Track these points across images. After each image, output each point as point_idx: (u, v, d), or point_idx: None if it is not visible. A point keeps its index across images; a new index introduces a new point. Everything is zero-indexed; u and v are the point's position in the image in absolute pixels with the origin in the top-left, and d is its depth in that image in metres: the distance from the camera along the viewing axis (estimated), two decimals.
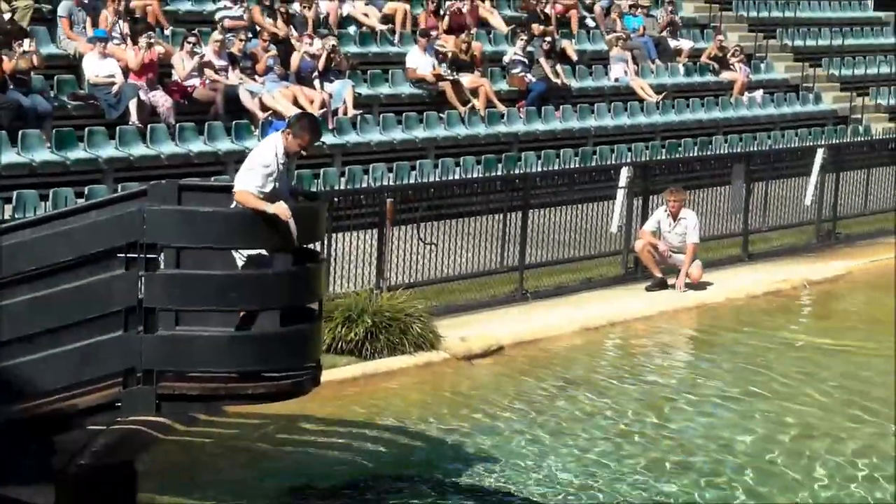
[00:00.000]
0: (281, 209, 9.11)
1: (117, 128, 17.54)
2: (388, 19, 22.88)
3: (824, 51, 28.85)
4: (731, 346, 15.41)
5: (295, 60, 20.17)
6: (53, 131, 17.05)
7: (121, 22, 19.09)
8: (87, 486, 4.65)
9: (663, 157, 20.58)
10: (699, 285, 17.20)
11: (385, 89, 21.46)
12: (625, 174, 17.95)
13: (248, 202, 9.15)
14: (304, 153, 9.51)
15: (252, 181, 9.18)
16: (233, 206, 9.46)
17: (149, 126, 17.82)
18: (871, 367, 14.55)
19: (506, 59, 23.23)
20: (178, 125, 18.15)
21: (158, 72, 18.80)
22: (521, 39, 23.14)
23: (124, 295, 9.30)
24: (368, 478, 10.86)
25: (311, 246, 10.24)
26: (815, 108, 27.11)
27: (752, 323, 16.37)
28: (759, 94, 26.39)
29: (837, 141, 22.27)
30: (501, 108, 22.12)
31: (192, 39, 19.15)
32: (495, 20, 24.51)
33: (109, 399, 9.44)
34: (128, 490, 4.63)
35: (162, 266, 9.45)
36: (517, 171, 18.82)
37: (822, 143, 22.03)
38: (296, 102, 19.52)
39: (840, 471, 11.42)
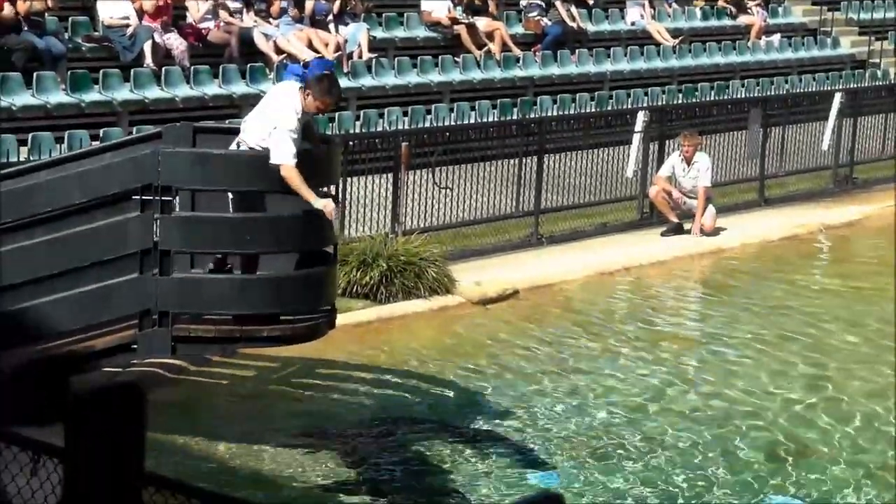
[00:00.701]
0: (329, 208, 9.11)
1: (132, 70, 17.49)
2: None
3: None
4: (746, 290, 15.40)
5: (309, 3, 20.07)
6: (68, 73, 17.00)
7: None
8: (93, 405, 4.69)
9: (680, 102, 20.48)
10: (714, 231, 17.15)
11: (400, 32, 21.35)
12: (641, 119, 17.87)
13: (296, 185, 9.11)
14: (321, 114, 9.46)
15: (289, 151, 9.12)
16: (245, 144, 9.46)
17: (163, 69, 17.76)
18: (885, 308, 14.55)
19: (523, 2, 23.08)
20: (192, 68, 18.09)
21: (173, 14, 18.71)
22: None
23: (139, 237, 9.33)
24: (385, 421, 10.89)
25: (326, 189, 10.24)
26: (832, 52, 26.92)
27: (766, 267, 16.35)
28: (776, 38, 26.20)
29: (855, 85, 22.10)
30: (517, 51, 22.00)
31: None
32: None
33: (126, 341, 9.51)
34: (136, 409, 4.67)
35: (177, 208, 9.48)
36: (533, 116, 18.73)
37: (840, 87, 21.89)
38: (310, 45, 19.45)
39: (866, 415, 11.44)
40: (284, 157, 9.13)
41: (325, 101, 9.39)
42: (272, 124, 9.22)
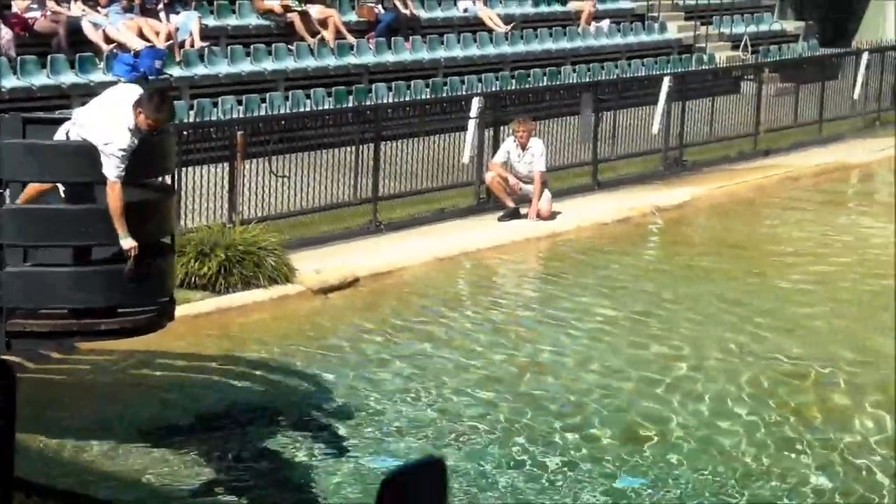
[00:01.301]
0: (132, 249, 9.03)
1: None
2: None
3: None
4: (581, 272, 15.62)
5: None
6: None
7: None
8: None
9: (513, 88, 20.67)
10: (550, 215, 17.38)
11: (232, 21, 21.15)
12: (476, 105, 18.00)
13: (114, 210, 9.01)
14: (153, 131, 9.32)
15: (117, 169, 9.03)
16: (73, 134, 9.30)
17: None
18: (721, 286, 14.91)
19: None
20: (19, 58, 17.69)
21: None
22: None
23: None
24: (226, 413, 10.81)
25: (161, 179, 10.12)
26: (660, 37, 27.43)
27: (600, 249, 16.63)
28: (605, 23, 26.61)
29: (682, 70, 22.58)
30: (351, 39, 21.97)
31: None
32: None
33: None
34: (6, 394, 4.46)
35: (7, 201, 9.28)
36: (368, 103, 18.74)
37: (668, 72, 22.33)
38: (141, 35, 19.16)
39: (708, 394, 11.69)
40: (111, 172, 9.05)
41: (156, 118, 9.27)
42: (105, 139, 9.08)
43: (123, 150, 9.08)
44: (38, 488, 4.19)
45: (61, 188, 9.46)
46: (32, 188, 9.47)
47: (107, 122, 9.17)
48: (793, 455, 10.37)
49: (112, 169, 9.07)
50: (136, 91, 9.50)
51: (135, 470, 9.66)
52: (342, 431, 10.53)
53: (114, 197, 9.06)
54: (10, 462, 4.28)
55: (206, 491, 9.47)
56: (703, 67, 24.51)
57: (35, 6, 18.46)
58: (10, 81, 17.38)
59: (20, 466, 4.15)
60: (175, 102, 18.04)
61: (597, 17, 26.66)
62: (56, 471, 9.35)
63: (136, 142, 9.17)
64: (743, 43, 27.80)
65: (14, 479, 4.24)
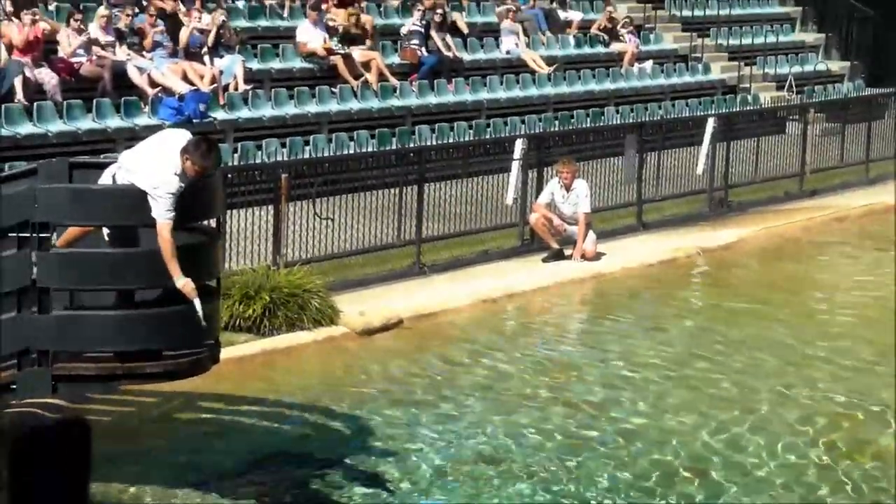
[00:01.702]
0: (188, 288, 9.06)
1: (2, 106, 17.16)
2: None
3: (712, 21, 29.10)
4: (626, 315, 15.52)
5: (184, 35, 19.90)
6: None
7: None
8: (37, 446, 4.43)
9: (556, 129, 20.64)
10: (595, 256, 17.29)
11: (276, 64, 21.25)
12: (519, 146, 17.98)
13: (165, 252, 9.02)
14: (200, 178, 9.35)
15: (166, 210, 9.05)
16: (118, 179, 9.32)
17: (35, 104, 17.47)
18: (769, 328, 14.76)
19: (403, 30, 23.10)
20: (65, 103, 17.82)
21: (44, 48, 18.42)
22: (419, 10, 23.06)
23: (17, 275, 9.11)
24: (272, 457, 10.75)
25: (208, 223, 10.12)
26: (703, 77, 27.37)
27: (646, 290, 16.53)
28: (648, 64, 26.58)
29: (727, 110, 22.48)
30: (394, 81, 22.02)
31: (77, 15, 18.80)
32: None
33: (4, 381, 9.25)
34: (83, 449, 4.44)
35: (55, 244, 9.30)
36: (412, 145, 18.74)
37: (712, 112, 22.26)
38: (185, 78, 19.27)
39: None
40: (161, 215, 9.07)
41: (203, 165, 9.29)
42: (154, 184, 9.10)
43: (172, 193, 9.10)
44: None
45: (105, 232, 9.47)
46: (72, 231, 9.48)
47: (155, 167, 9.18)
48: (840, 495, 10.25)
49: (162, 211, 9.08)
50: (182, 135, 9.51)
51: None
52: (388, 476, 10.45)
53: (165, 239, 9.06)
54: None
55: None
56: (748, 108, 24.38)
57: (81, 51, 18.60)
58: (57, 126, 17.50)
59: None
60: (219, 145, 18.19)
61: (640, 58, 26.64)
62: None
63: (182, 186, 9.18)
64: (788, 83, 27.68)
65: None
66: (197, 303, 9.17)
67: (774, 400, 12.44)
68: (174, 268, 9.10)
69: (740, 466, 10.83)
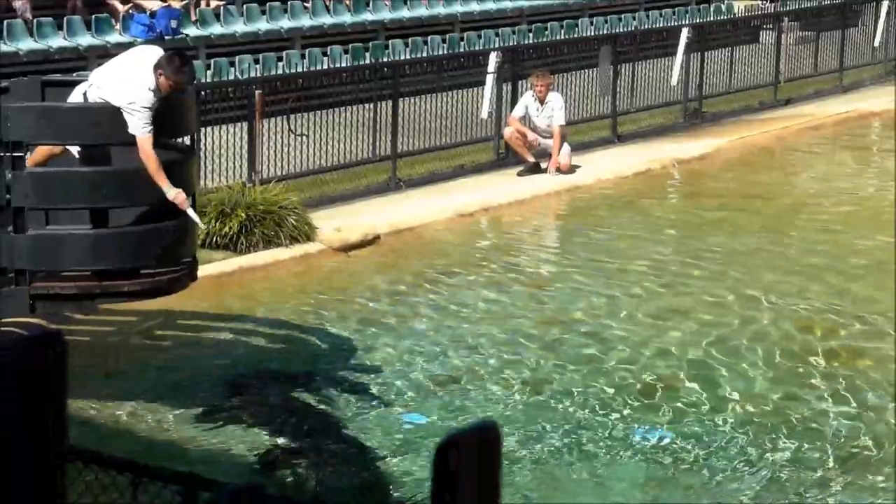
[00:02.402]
0: (180, 198, 9.06)
1: None
2: None
3: None
4: (601, 227, 15.57)
5: None
6: None
7: None
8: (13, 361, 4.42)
9: (530, 42, 20.55)
10: (570, 169, 17.31)
11: None
12: (493, 59, 17.90)
13: (151, 167, 8.99)
14: (175, 92, 9.32)
15: (145, 124, 9.02)
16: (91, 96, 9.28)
17: (5, 22, 17.29)
18: (747, 237, 14.86)
19: None
20: (35, 20, 17.65)
21: None
22: None
23: None
24: (254, 373, 10.82)
25: (181, 140, 10.10)
26: None
27: (621, 202, 16.58)
28: None
29: (701, 20, 22.41)
30: None
31: None
32: None
33: None
34: (59, 366, 4.45)
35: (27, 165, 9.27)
36: (386, 60, 18.66)
37: (687, 22, 22.18)
38: None
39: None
40: (140, 129, 9.05)
41: (177, 80, 9.26)
42: (128, 99, 9.07)
43: (147, 107, 9.07)
44: (94, 456, 4.17)
45: (76, 151, 9.44)
46: (41, 151, 9.45)
47: (128, 83, 9.15)
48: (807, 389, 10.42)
49: (139, 126, 9.06)
50: (155, 52, 9.46)
51: (162, 432, 9.67)
52: (368, 391, 10.52)
53: (147, 153, 9.05)
54: (63, 431, 4.30)
55: (237, 451, 9.48)
56: (722, 17, 24.29)
57: None
58: (27, 44, 17.36)
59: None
60: (192, 62, 18.09)
61: None
62: (93, 436, 9.36)
63: (157, 101, 9.15)
64: None
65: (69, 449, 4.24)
66: (190, 211, 9.21)
67: (742, 305, 12.53)
68: (162, 180, 9.09)
69: (743, 375, 10.91)
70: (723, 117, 20.92)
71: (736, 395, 10.52)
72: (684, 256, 14.30)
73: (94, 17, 18.21)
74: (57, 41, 17.67)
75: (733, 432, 9.85)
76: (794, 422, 10.04)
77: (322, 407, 10.22)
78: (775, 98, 22.18)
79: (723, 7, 26.14)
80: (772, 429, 9.88)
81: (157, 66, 9.21)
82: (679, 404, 10.34)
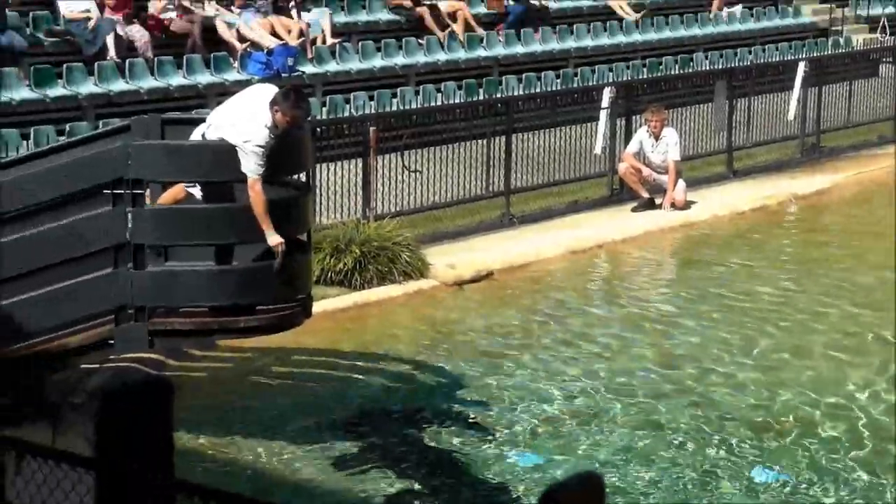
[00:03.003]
0: (277, 242, 9.19)
1: (95, 64, 17.36)
2: None
3: None
4: (717, 264, 15.40)
5: None
6: (31, 69, 16.86)
7: None
8: (123, 402, 4.53)
9: (645, 77, 20.46)
10: (685, 205, 17.16)
11: (363, 16, 21.27)
12: (607, 95, 17.86)
13: (257, 208, 9.11)
14: (293, 127, 9.43)
15: (257, 165, 9.13)
16: (209, 135, 9.40)
17: (127, 61, 17.64)
18: (856, 276, 14.60)
19: None
20: (156, 59, 17.98)
21: (134, 6, 18.59)
22: None
23: (112, 232, 9.26)
24: (368, 409, 10.84)
25: (298, 177, 10.20)
26: (794, 21, 26.97)
27: (737, 238, 16.39)
28: (738, 8, 26.23)
29: (818, 54, 22.15)
30: (480, 31, 21.95)
31: None
32: None
33: (102, 337, 9.43)
34: (166, 406, 4.54)
35: (148, 202, 9.43)
36: (499, 96, 18.69)
37: (804, 56, 21.94)
38: (274, 33, 19.35)
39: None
40: (251, 170, 9.16)
41: (294, 115, 9.37)
42: (243, 137, 9.18)
43: (261, 146, 9.17)
44: (202, 490, 4.21)
45: (198, 190, 9.57)
46: (171, 194, 9.57)
47: (244, 121, 9.26)
48: None
49: (252, 166, 9.17)
50: (271, 89, 9.57)
51: (278, 467, 9.72)
52: (484, 427, 10.49)
53: (255, 194, 9.16)
54: (171, 465, 4.35)
55: (359, 489, 9.48)
56: (840, 51, 23.99)
57: (170, 7, 18.75)
58: (148, 82, 17.67)
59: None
60: (307, 98, 18.28)
61: (729, 2, 26.29)
62: (207, 468, 9.45)
63: (273, 139, 9.25)
64: (881, 24, 27.18)
65: (176, 482, 4.29)
66: (279, 259, 9.25)
67: (856, 341, 12.32)
68: (266, 223, 9.20)
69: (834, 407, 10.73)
70: (841, 152, 20.63)
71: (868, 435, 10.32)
72: (806, 293, 14.08)
73: (212, 55, 18.49)
74: (177, 79, 17.97)
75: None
76: None
77: (437, 445, 10.19)
78: (895, 132, 21.80)
79: (841, 41, 25.83)
80: None
81: (273, 103, 9.32)
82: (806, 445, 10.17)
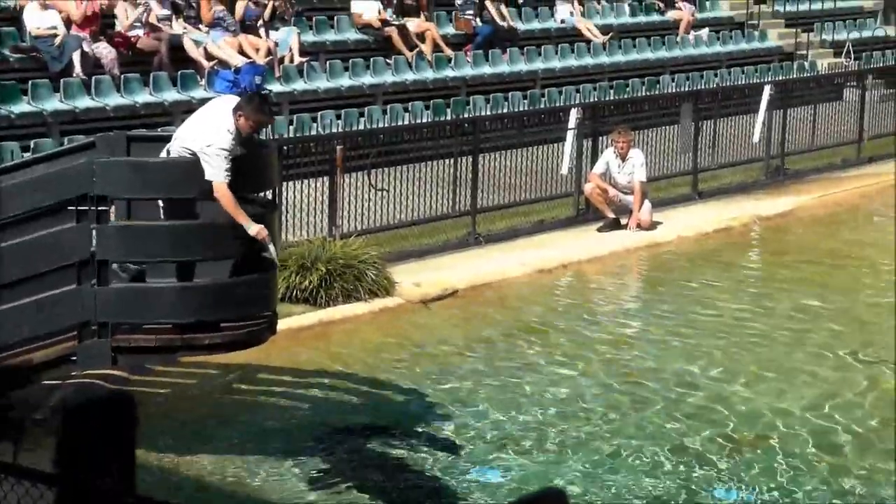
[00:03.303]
0: (262, 234, 9.17)
1: (61, 80, 17.32)
2: None
3: None
4: (682, 284, 15.48)
5: (240, 8, 19.98)
6: None
7: None
8: (85, 418, 4.55)
9: (612, 98, 20.56)
10: (650, 225, 17.24)
11: (331, 36, 21.30)
12: (574, 116, 17.93)
13: (229, 207, 9.13)
14: (255, 132, 9.48)
15: (221, 169, 9.14)
16: (176, 152, 9.41)
17: (93, 78, 17.60)
18: (821, 298, 14.70)
19: (458, 0, 23.09)
20: (122, 76, 17.96)
21: (101, 23, 18.56)
22: None
23: (76, 248, 9.25)
24: (331, 425, 10.84)
25: (264, 194, 10.21)
26: (760, 45, 27.16)
27: (702, 260, 16.47)
28: (704, 32, 26.40)
29: (784, 77, 22.30)
30: (448, 52, 22.02)
31: None
32: None
33: (65, 352, 9.41)
34: (130, 422, 4.56)
35: (113, 218, 9.42)
36: (466, 116, 18.75)
37: (769, 80, 22.09)
38: (241, 51, 19.36)
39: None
40: (216, 175, 9.16)
41: (258, 118, 9.40)
42: (206, 142, 9.20)
43: (225, 149, 9.17)
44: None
45: (161, 205, 9.57)
46: None
47: (206, 128, 9.29)
48: None
49: (216, 172, 9.16)
50: (232, 101, 9.60)
51: (246, 485, 9.71)
52: (446, 444, 10.51)
53: (223, 195, 9.15)
54: (133, 481, 4.36)
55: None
56: (805, 75, 24.17)
57: (138, 24, 18.73)
58: (114, 99, 17.65)
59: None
60: (275, 117, 18.30)
61: (696, 25, 26.47)
62: (169, 484, 9.43)
63: (236, 145, 9.25)
64: (846, 49, 27.40)
65: (138, 498, 4.30)
66: (271, 248, 9.28)
67: (816, 364, 12.40)
68: (242, 217, 9.19)
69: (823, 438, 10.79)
70: (805, 175, 20.77)
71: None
72: (767, 314, 14.16)
73: (179, 72, 18.48)
74: (143, 97, 17.95)
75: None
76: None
77: (402, 462, 10.20)
78: (858, 156, 21.98)
79: (806, 65, 26.02)
80: None
81: (236, 108, 9.35)
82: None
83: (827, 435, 10.83)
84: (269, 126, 9.81)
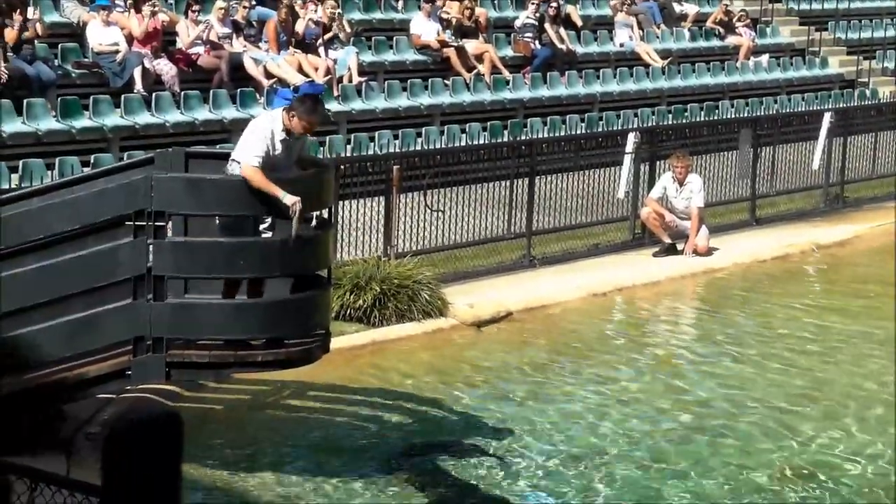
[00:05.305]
0: (297, 206, 9.09)
1: (122, 96, 17.49)
2: None
3: (830, 14, 28.71)
4: (737, 310, 15.37)
5: (299, 27, 20.09)
6: (58, 100, 16.99)
7: None
8: (133, 436, 4.58)
9: (670, 123, 20.49)
10: (707, 252, 17.14)
11: (389, 56, 21.37)
12: (631, 140, 17.88)
13: (258, 183, 9.13)
14: (309, 135, 9.52)
15: (249, 152, 9.18)
16: (229, 169, 9.46)
17: (153, 94, 17.76)
18: (879, 327, 14.55)
19: (517, 23, 23.12)
20: (182, 93, 18.10)
21: (163, 40, 18.72)
22: (533, 3, 23.04)
23: (133, 263, 9.30)
24: (383, 445, 10.82)
25: (319, 213, 10.23)
26: (821, 72, 27.00)
27: (758, 287, 16.35)
28: (764, 58, 26.27)
29: (844, 105, 22.14)
30: (507, 74, 22.04)
31: (196, 7, 19.08)
32: None
33: (119, 367, 9.46)
34: (176, 441, 4.59)
35: (170, 234, 9.47)
36: (523, 138, 18.73)
37: (829, 107, 21.93)
38: (300, 70, 19.46)
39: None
40: (244, 156, 9.18)
41: (310, 119, 9.41)
42: (247, 130, 9.32)
43: (261, 136, 9.21)
44: None
45: (217, 222, 9.60)
46: None
47: (249, 125, 9.41)
48: None
49: (244, 154, 9.20)
50: (278, 112, 9.64)
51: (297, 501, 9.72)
52: (499, 465, 10.46)
53: (252, 175, 9.13)
54: (178, 499, 4.38)
55: None
56: (866, 103, 23.99)
57: (199, 42, 18.87)
58: (174, 116, 17.78)
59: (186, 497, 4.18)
60: (333, 137, 18.38)
61: (756, 51, 26.35)
62: (216, 502, 9.44)
63: (275, 139, 9.27)
64: None
65: None
66: (294, 221, 9.17)
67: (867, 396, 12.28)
68: (274, 189, 9.13)
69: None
70: (864, 203, 20.60)
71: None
72: (824, 342, 14.02)
73: (239, 90, 18.60)
74: (203, 114, 18.07)
75: None
76: None
77: (453, 483, 10.16)
78: None
79: (867, 92, 25.83)
80: None
81: (289, 110, 9.40)
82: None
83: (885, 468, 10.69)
84: (322, 127, 9.80)
